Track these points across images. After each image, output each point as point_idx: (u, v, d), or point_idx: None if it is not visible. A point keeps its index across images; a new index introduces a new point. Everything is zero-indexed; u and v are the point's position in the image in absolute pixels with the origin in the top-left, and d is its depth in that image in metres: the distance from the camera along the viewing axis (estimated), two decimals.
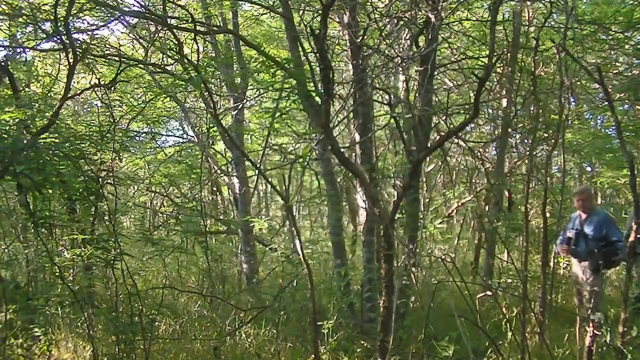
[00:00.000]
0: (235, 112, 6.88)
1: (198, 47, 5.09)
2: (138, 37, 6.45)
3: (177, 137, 9.96)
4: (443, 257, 5.67)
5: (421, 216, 6.38)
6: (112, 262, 3.93)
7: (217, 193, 10.48)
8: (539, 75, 5.79)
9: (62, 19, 3.88)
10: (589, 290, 4.86)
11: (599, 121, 9.66)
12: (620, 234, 5.00)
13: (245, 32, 7.78)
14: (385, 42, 4.68)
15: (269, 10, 5.92)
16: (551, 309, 5.29)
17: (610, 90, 5.26)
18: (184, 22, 4.57)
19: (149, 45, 5.62)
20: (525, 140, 6.63)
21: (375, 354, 3.19)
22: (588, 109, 8.39)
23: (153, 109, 6.95)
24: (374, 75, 4.73)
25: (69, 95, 4.34)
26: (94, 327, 4.35)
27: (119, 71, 4.64)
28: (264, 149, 6.55)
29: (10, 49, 5.30)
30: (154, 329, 4.26)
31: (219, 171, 8.22)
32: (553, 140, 4.73)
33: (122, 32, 8.19)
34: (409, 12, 4.26)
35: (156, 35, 5.35)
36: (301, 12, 5.48)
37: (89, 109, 8.04)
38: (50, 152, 3.50)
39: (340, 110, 5.13)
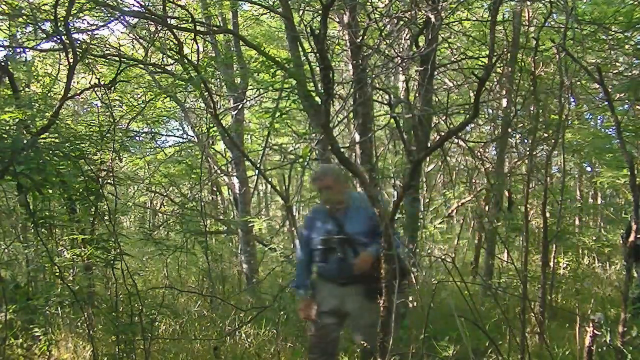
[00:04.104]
0: (235, 112, 6.89)
1: (198, 47, 5.09)
2: (138, 37, 6.45)
3: (177, 137, 9.98)
4: (443, 257, 5.68)
5: (421, 216, 6.38)
6: (112, 262, 3.92)
7: (217, 193, 10.49)
8: (539, 75, 5.79)
9: (62, 19, 3.89)
10: (365, 332, 3.23)
11: (599, 121, 9.68)
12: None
13: (245, 32, 7.78)
14: (385, 42, 4.68)
15: (269, 10, 5.93)
16: (551, 309, 5.30)
17: (610, 90, 5.26)
18: (184, 22, 4.58)
19: (149, 45, 5.62)
20: (525, 140, 6.63)
21: (375, 354, 3.19)
22: (588, 109, 8.39)
23: (153, 109, 6.95)
24: (374, 75, 4.73)
25: (69, 95, 4.34)
26: (94, 327, 4.35)
27: (119, 71, 4.65)
28: (264, 149, 6.56)
29: (10, 49, 5.30)
30: (154, 329, 4.25)
31: (219, 171, 8.22)
32: (553, 140, 4.72)
33: (122, 32, 8.21)
34: (409, 12, 4.26)
35: (156, 35, 5.35)
36: (301, 12, 5.48)
37: (89, 109, 8.04)
38: (50, 152, 3.50)
39: (340, 110, 5.13)
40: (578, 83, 6.28)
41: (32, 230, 4.94)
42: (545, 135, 5.73)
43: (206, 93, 4.99)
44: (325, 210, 3.38)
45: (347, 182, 3.57)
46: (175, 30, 4.45)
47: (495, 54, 4.14)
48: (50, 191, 3.84)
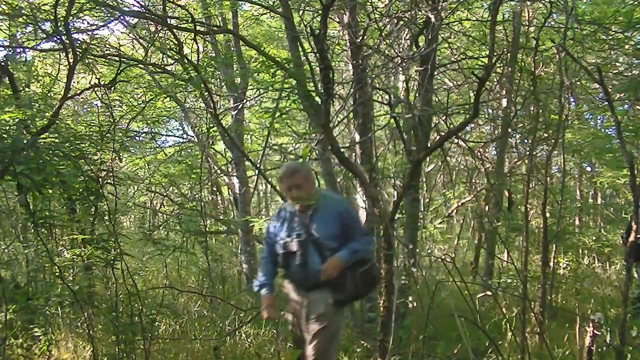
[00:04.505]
0: (235, 112, 6.89)
1: (198, 47, 5.09)
2: (138, 37, 6.45)
3: (177, 137, 9.97)
4: (443, 257, 5.68)
5: (421, 216, 6.38)
6: (112, 262, 3.93)
7: (217, 193, 10.49)
8: (539, 75, 5.79)
9: (62, 19, 3.88)
10: (316, 336, 2.97)
11: (599, 121, 9.68)
12: (364, 238, 3.09)
13: (245, 32, 7.78)
14: (385, 42, 4.68)
15: (269, 10, 5.92)
16: (551, 309, 5.30)
17: (610, 90, 5.26)
18: (184, 22, 4.57)
19: (149, 45, 5.62)
20: (525, 140, 6.63)
21: (375, 354, 3.19)
22: (588, 109, 8.40)
23: (153, 109, 6.96)
24: (374, 75, 4.73)
25: (69, 95, 4.34)
26: (94, 327, 4.35)
27: (119, 71, 4.65)
28: (264, 149, 6.56)
29: (10, 49, 5.29)
30: (154, 329, 4.26)
31: (219, 171, 8.23)
32: (553, 140, 4.73)
33: (122, 32, 8.20)
34: (409, 12, 4.26)
35: (156, 35, 5.35)
36: (301, 12, 5.48)
37: (89, 109, 8.04)
38: (50, 152, 3.50)
39: (340, 110, 5.13)
40: (578, 83, 6.28)
41: (32, 230, 4.94)
42: (545, 135, 5.74)
43: (206, 93, 4.99)
44: (292, 210, 3.14)
45: (314, 181, 3.32)
46: (175, 30, 4.44)
47: (495, 54, 4.13)
48: (50, 191, 3.84)
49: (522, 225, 5.86)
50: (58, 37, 4.08)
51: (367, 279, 3.01)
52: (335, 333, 3.07)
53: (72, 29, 4.35)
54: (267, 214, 12.37)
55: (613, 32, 5.50)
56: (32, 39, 5.27)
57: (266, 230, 3.31)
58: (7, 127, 3.59)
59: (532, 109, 6.03)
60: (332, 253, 2.98)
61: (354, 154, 5.01)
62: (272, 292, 3.16)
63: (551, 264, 5.05)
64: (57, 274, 4.11)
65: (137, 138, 6.65)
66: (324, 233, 3.01)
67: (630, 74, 6.58)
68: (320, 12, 3.70)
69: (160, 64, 5.59)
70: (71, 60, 3.98)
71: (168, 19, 4.42)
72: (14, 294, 4.01)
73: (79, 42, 4.66)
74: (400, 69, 5.20)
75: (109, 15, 4.57)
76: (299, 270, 3.03)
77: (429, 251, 7.58)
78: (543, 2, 4.96)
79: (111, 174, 4.35)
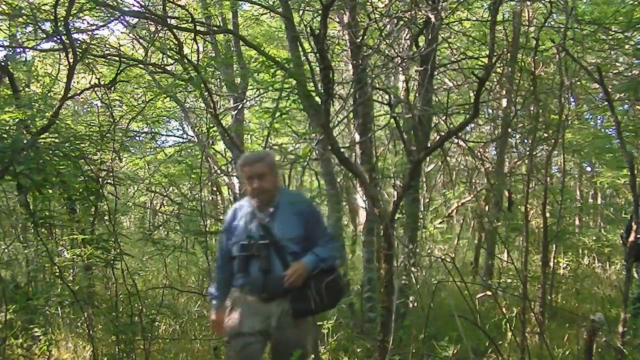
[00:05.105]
0: (235, 112, 6.89)
1: (198, 47, 5.09)
2: (138, 37, 6.45)
3: (177, 137, 9.97)
4: (443, 257, 5.68)
5: (421, 216, 6.38)
6: (112, 262, 3.93)
7: (217, 193, 10.49)
8: (539, 75, 5.79)
9: (62, 19, 3.88)
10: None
11: (599, 121, 9.69)
12: (330, 244, 2.80)
13: (245, 32, 7.78)
14: (385, 42, 4.68)
15: (269, 10, 5.92)
16: (551, 309, 5.30)
17: (610, 90, 5.25)
18: (184, 22, 4.57)
19: (149, 45, 5.62)
20: (525, 140, 6.63)
21: (375, 354, 3.19)
22: (588, 109, 8.40)
23: (153, 109, 6.95)
24: (374, 75, 4.72)
25: (69, 95, 4.34)
26: (94, 327, 4.36)
27: (119, 71, 4.65)
28: (264, 149, 6.54)
29: (10, 49, 5.29)
30: (154, 329, 4.26)
31: (219, 171, 8.22)
32: (553, 140, 4.73)
33: (122, 32, 8.20)
34: (409, 12, 4.26)
35: (156, 35, 5.35)
36: (301, 12, 5.48)
37: (89, 109, 8.04)
38: (50, 152, 3.50)
39: (340, 110, 5.12)
40: (578, 83, 6.28)
41: (32, 230, 4.94)
42: (545, 135, 5.73)
43: (206, 93, 4.99)
44: (250, 207, 2.77)
45: (278, 174, 2.94)
46: (175, 30, 4.45)
47: (495, 54, 4.13)
48: (50, 191, 3.84)
49: (522, 225, 5.86)
50: (58, 37, 4.08)
51: (334, 289, 2.70)
52: (305, 347, 2.76)
53: (72, 29, 4.34)
54: None
55: (613, 32, 5.50)
56: (32, 39, 5.27)
57: (221, 231, 2.95)
58: (7, 127, 3.59)
59: (532, 109, 6.03)
60: (294, 258, 2.65)
61: (354, 154, 5.00)
62: (223, 307, 2.85)
63: (551, 264, 5.05)
64: (57, 274, 4.11)
65: (137, 138, 6.65)
66: (286, 235, 2.67)
67: (630, 74, 6.58)
68: (320, 12, 3.70)
69: (160, 64, 5.59)
70: (71, 60, 3.98)
71: (168, 19, 4.42)
72: (14, 294, 4.01)
73: (79, 42, 4.66)
74: (400, 69, 5.20)
75: (109, 15, 4.57)
76: (261, 277, 2.66)
77: (429, 251, 7.57)
78: (543, 2, 4.95)
79: (111, 174, 4.35)
